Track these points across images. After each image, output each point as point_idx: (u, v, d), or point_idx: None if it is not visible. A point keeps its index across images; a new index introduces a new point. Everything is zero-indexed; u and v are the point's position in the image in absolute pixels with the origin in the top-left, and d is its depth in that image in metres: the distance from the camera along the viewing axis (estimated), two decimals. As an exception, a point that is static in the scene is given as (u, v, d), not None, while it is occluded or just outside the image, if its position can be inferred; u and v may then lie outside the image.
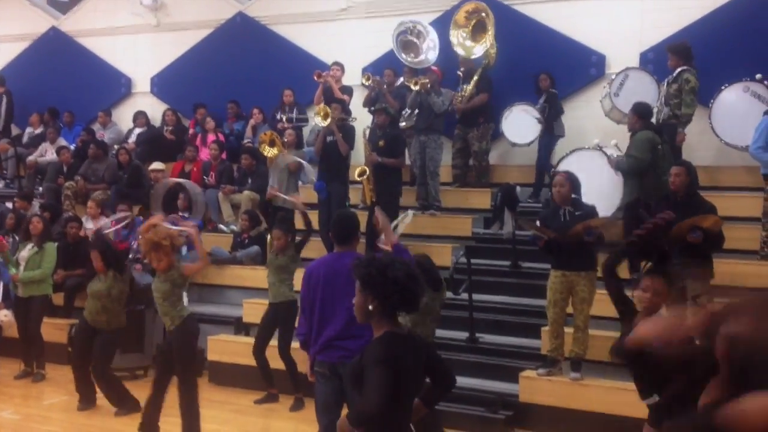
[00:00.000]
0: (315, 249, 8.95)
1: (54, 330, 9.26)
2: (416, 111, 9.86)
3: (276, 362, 7.75)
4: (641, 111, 7.86)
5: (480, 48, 10.07)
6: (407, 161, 10.01)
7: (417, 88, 9.62)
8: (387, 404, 3.25)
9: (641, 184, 7.63)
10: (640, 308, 4.16)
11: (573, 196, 7.10)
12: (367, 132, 10.07)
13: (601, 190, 8.01)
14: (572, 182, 7.12)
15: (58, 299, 9.59)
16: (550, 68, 9.98)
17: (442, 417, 6.52)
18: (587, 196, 7.43)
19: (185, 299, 6.69)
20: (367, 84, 10.23)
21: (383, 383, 3.25)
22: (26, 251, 8.78)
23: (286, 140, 9.85)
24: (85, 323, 7.64)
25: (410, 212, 8.67)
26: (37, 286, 8.73)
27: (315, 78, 10.56)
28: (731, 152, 8.91)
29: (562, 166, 8.37)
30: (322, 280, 4.89)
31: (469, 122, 10.13)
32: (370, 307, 3.42)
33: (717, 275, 6.78)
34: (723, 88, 8.77)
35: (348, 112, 9.94)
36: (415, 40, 10.36)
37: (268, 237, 9.70)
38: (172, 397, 6.52)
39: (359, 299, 3.48)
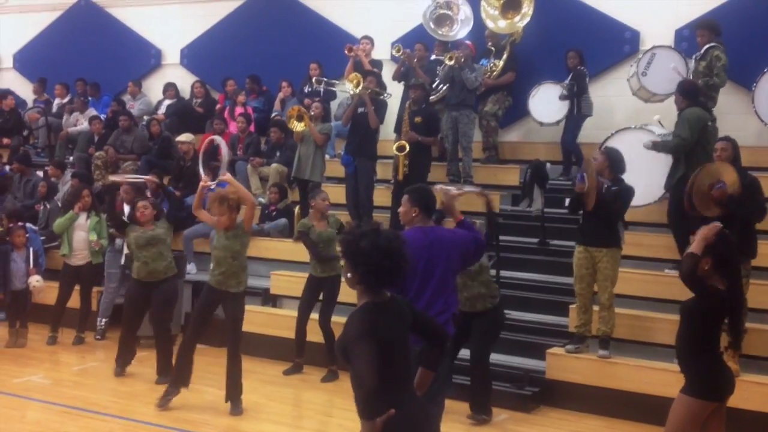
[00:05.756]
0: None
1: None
2: (445, 86, 9.77)
3: (310, 335, 7.83)
4: (685, 90, 7.56)
5: (520, 20, 9.90)
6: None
7: (452, 63, 9.46)
8: (379, 376, 3.18)
9: (688, 162, 7.36)
10: None
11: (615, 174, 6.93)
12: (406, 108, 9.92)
13: (645, 168, 7.65)
14: (610, 159, 6.96)
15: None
16: (582, 44, 9.80)
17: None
18: (635, 175, 7.13)
19: None
20: (397, 55, 10.09)
21: (369, 357, 3.19)
22: (83, 219, 8.93)
23: (312, 113, 9.80)
24: (137, 284, 7.47)
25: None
26: (93, 253, 9.00)
27: (346, 52, 10.49)
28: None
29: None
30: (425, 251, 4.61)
31: (487, 96, 10.10)
32: (349, 275, 3.37)
33: (759, 256, 6.68)
34: (765, 71, 8.53)
35: (383, 86, 9.85)
36: (447, 12, 10.22)
37: (296, 210, 9.78)
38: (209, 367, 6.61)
39: (346, 266, 3.41)
